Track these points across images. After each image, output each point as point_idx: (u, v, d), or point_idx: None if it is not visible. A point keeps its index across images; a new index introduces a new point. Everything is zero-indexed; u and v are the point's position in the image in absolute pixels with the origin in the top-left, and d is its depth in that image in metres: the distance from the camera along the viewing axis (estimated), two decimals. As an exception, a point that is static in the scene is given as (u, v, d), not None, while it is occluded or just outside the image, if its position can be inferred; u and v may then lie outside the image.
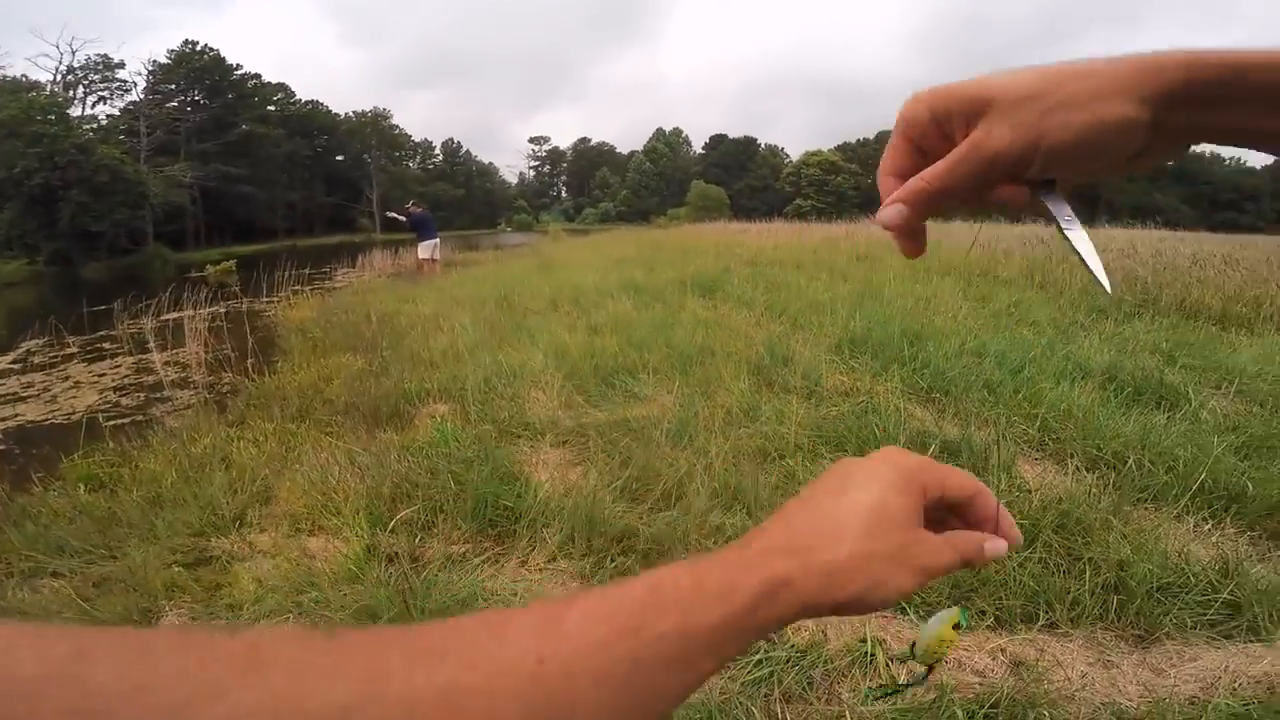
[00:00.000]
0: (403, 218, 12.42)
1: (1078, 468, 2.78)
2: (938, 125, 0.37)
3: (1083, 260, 0.37)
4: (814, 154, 67.36)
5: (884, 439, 2.87)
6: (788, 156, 75.36)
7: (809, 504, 0.36)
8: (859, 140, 72.36)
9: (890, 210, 0.39)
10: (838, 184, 63.45)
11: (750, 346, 4.57)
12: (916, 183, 0.37)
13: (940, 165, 0.37)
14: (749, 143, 75.49)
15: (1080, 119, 0.33)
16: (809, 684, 1.70)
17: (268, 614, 2.14)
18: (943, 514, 0.38)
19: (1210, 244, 10.88)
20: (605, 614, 0.29)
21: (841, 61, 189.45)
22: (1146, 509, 2.51)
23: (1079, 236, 0.37)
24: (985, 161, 0.35)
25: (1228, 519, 2.46)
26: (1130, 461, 2.72)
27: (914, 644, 0.42)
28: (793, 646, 1.80)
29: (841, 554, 0.32)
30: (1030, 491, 2.51)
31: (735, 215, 45.70)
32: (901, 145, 0.40)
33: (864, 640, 1.82)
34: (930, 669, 0.43)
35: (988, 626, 1.89)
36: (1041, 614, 1.92)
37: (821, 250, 12.57)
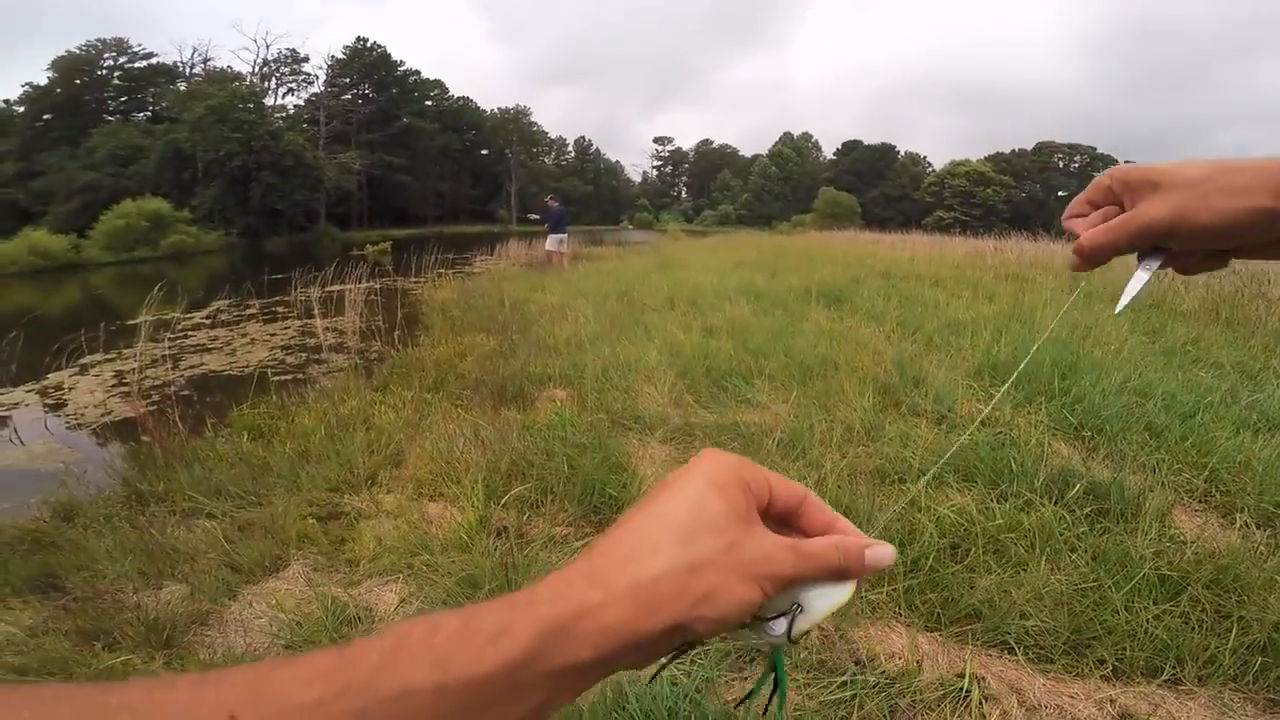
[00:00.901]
0: (543, 208, 13.07)
1: (1247, 523, 2.42)
2: (1114, 194, 0.48)
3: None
4: (960, 163, 62.77)
5: (1020, 474, 2.63)
6: (929, 165, 70.92)
7: (617, 526, 0.30)
8: (1014, 150, 66.65)
9: (1071, 264, 0.51)
10: (986, 196, 58.75)
11: (878, 363, 4.36)
12: (1084, 241, 0.48)
13: (1102, 229, 0.47)
14: (886, 150, 71.75)
15: (1223, 205, 0.40)
16: (892, 712, 1.61)
17: (382, 572, 2.29)
18: (773, 526, 0.33)
19: None
20: (332, 668, 0.24)
21: (992, 65, 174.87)
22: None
23: (1142, 276, 0.46)
24: (1139, 229, 0.44)
25: None
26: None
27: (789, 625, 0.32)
28: (883, 673, 1.72)
29: (653, 570, 0.27)
30: (1185, 543, 2.21)
31: (867, 224, 43.71)
32: (1083, 202, 0.50)
33: (961, 675, 1.70)
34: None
35: (1102, 676, 1.71)
36: (1167, 669, 1.71)
37: (965, 266, 11.72)
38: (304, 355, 6.78)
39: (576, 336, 5.31)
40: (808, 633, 0.32)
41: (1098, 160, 65.26)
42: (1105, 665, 1.74)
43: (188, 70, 45.52)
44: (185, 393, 5.62)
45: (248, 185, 33.19)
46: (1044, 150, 65.98)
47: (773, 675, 0.36)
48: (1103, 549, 2.15)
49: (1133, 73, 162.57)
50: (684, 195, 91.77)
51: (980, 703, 1.63)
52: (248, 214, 33.40)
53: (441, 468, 3.01)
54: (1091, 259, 0.47)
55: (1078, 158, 65.95)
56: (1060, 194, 64.29)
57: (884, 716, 1.61)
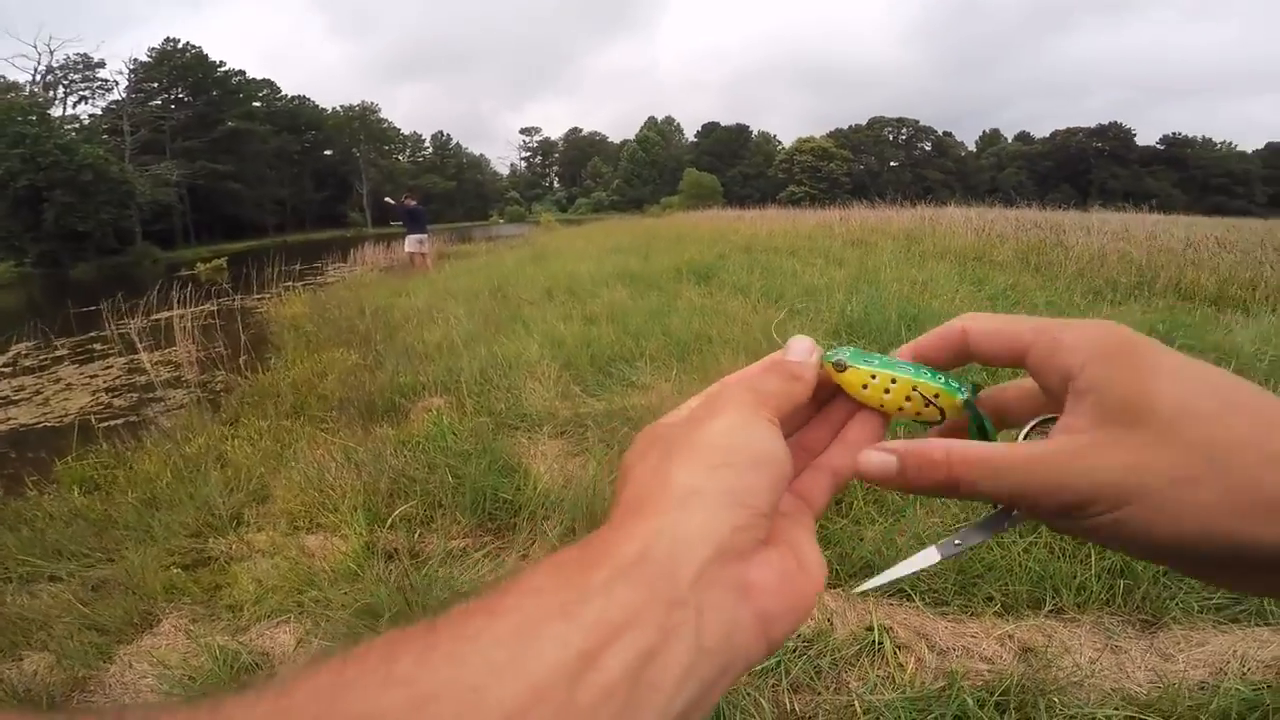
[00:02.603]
0: (395, 207, 12.29)
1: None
2: (985, 356, 0.29)
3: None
4: (806, 140, 67.13)
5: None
6: (780, 143, 75.11)
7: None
8: (851, 126, 72.26)
9: (875, 459, 0.28)
10: (830, 170, 63.32)
11: (748, 333, 4.54)
12: (939, 453, 0.27)
13: (998, 454, 0.26)
14: (741, 130, 75.18)
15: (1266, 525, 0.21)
16: (817, 673, 1.68)
17: (268, 615, 2.12)
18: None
19: (1203, 227, 10.89)
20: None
21: (833, 48, 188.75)
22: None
23: (930, 556, 0.31)
24: (1087, 488, 0.23)
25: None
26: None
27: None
28: (799, 636, 1.78)
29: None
30: (1034, 474, 2.50)
31: (728, 203, 45.57)
32: (936, 346, 0.31)
33: (870, 629, 1.81)
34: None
35: (994, 613, 1.88)
36: (1048, 599, 1.90)
37: (816, 236, 12.53)
38: (134, 396, 5.96)
39: (449, 339, 5.07)
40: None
41: (921, 132, 72.37)
42: (994, 602, 1.90)
43: None
44: (-8, 451, 4.80)
45: (38, 207, 28.56)
46: (876, 125, 72.04)
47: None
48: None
49: (950, 52, 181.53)
50: (556, 185, 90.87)
51: (894, 652, 1.73)
52: (42, 239, 28.81)
53: (314, 498, 2.77)
54: (934, 484, 0.27)
55: (904, 130, 72.67)
56: (892, 164, 70.69)
57: (810, 678, 1.67)
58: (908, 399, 0.30)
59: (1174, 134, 66.16)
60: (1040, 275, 7.49)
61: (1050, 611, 1.87)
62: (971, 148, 76.01)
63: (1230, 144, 65.93)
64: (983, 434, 0.31)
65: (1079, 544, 2.11)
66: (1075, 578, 1.96)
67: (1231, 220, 15.49)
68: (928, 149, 72.67)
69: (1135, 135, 65.32)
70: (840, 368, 0.31)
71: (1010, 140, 74.62)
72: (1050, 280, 7.09)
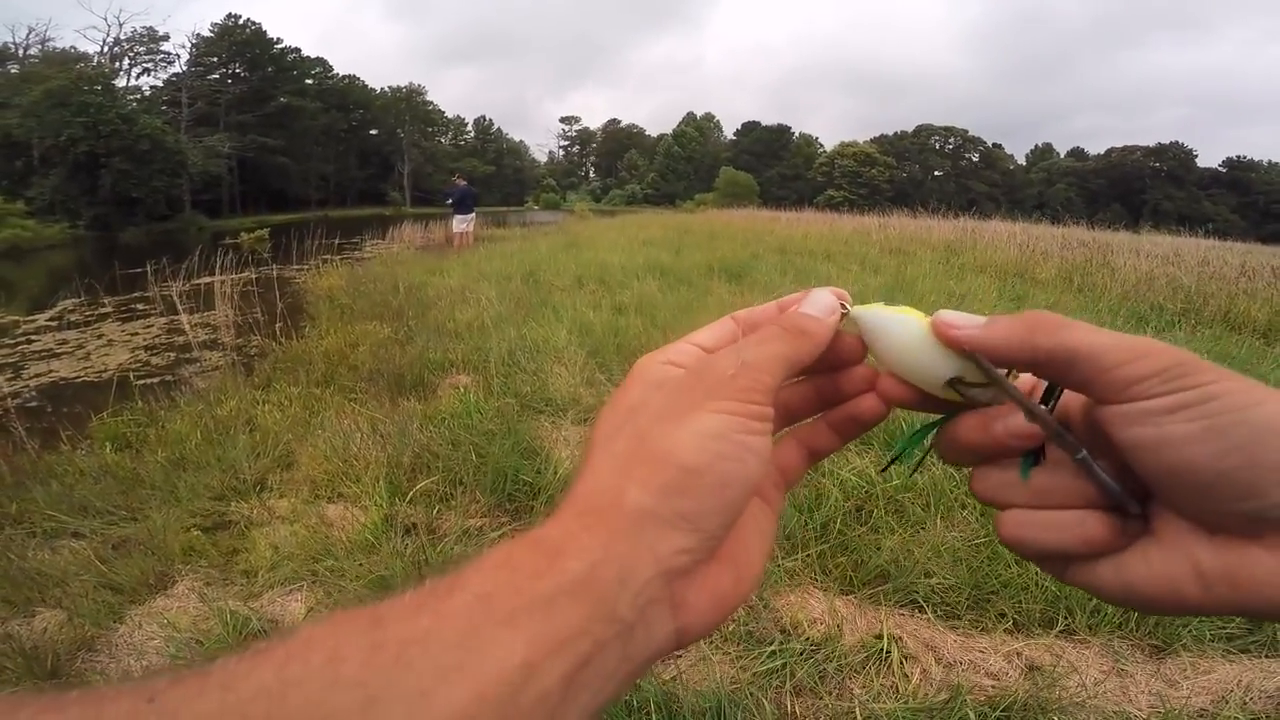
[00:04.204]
0: (445, 190, 12.62)
1: (1111, 475, 2.69)
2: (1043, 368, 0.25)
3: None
4: (849, 145, 66.20)
5: (910, 431, 2.79)
6: (821, 147, 74.15)
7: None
8: (896, 133, 70.99)
9: (954, 316, 0.27)
10: (872, 176, 62.33)
11: (776, 334, 4.50)
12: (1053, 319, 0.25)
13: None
14: (782, 131, 74.36)
15: None
16: (821, 678, 1.67)
17: (283, 581, 2.14)
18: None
19: (1260, 255, 10.45)
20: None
21: (883, 51, 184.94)
22: (1180, 520, 2.42)
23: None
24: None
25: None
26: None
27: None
28: (808, 639, 1.78)
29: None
30: (1061, 495, 2.43)
31: (764, 203, 45.19)
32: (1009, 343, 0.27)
33: (879, 637, 1.79)
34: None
35: (1005, 629, 1.85)
36: (1060, 619, 1.87)
37: (853, 241, 12.36)
38: (171, 355, 6.14)
39: (479, 320, 5.12)
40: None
41: (969, 142, 70.74)
42: (1006, 619, 1.87)
43: (21, 52, 39.81)
44: (33, 404, 4.97)
45: (96, 173, 29.54)
46: (923, 132, 70.66)
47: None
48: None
49: (1008, 61, 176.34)
50: (592, 175, 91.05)
51: (901, 662, 1.72)
52: (97, 204, 29.78)
53: (338, 467, 2.82)
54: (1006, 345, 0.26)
55: (951, 139, 71.14)
56: (936, 173, 69.27)
57: (815, 682, 1.66)
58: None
59: (1238, 157, 63.63)
60: (1082, 296, 7.27)
61: (1061, 631, 1.84)
62: (1021, 161, 74.10)
63: (1294, 169, 63.19)
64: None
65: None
66: (1090, 600, 1.91)
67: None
68: (975, 160, 71.03)
69: (1197, 156, 62.97)
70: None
71: (1063, 156, 72.55)
72: (1093, 301, 6.88)
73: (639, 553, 0.22)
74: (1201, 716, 1.59)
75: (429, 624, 0.19)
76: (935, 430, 0.30)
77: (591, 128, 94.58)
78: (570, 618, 0.20)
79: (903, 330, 0.28)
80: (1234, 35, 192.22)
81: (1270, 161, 63.44)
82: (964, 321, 0.26)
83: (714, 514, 0.23)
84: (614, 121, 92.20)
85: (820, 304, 0.29)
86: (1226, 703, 1.61)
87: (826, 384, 0.31)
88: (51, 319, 8.03)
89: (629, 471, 0.23)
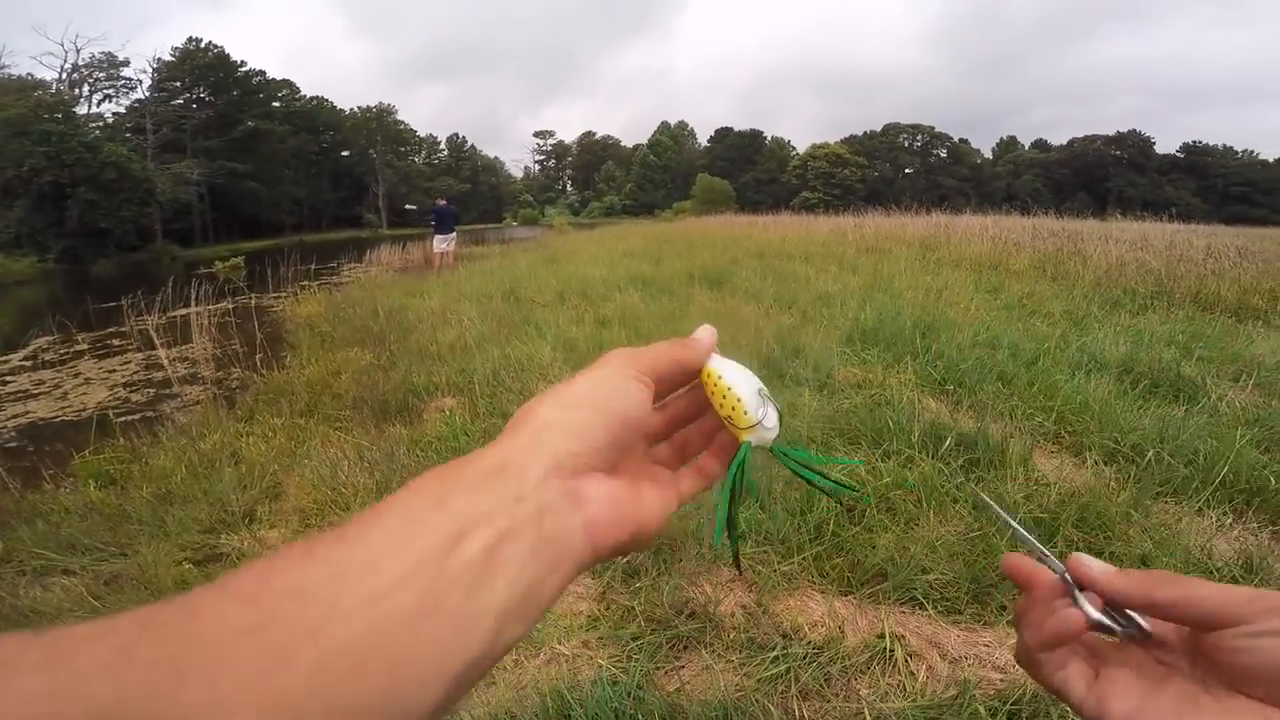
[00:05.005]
0: (419, 212, 12.57)
1: (1096, 461, 2.74)
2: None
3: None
4: (820, 147, 66.99)
5: (898, 431, 2.83)
6: (794, 149, 74.98)
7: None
8: (866, 133, 71.97)
9: (704, 330, 0.38)
10: (844, 176, 63.10)
11: (760, 339, 4.53)
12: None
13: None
14: (755, 136, 75.08)
15: None
16: (826, 680, 1.67)
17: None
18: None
19: (1224, 236, 10.73)
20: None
21: (849, 54, 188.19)
22: (1167, 503, 2.47)
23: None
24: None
25: (1250, 513, 2.42)
26: (1149, 455, 2.67)
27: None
28: (809, 643, 1.78)
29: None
30: (1048, 485, 2.47)
31: (741, 208, 45.52)
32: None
33: (881, 636, 1.80)
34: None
35: (1008, 621, 1.86)
36: None
37: (830, 242, 12.49)
38: (151, 391, 6.03)
39: (462, 341, 5.10)
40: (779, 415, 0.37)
41: (936, 138, 71.91)
42: (1008, 611, 1.87)
43: None
44: (12, 444, 4.90)
45: (62, 203, 28.95)
46: (891, 131, 71.72)
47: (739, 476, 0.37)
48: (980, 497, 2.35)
49: (969, 57, 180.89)
50: (569, 189, 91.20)
51: (905, 660, 1.71)
52: (65, 236, 29.17)
53: (326, 495, 2.80)
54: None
55: (919, 136, 72.28)
56: (907, 171, 70.28)
57: (820, 685, 1.65)
58: (724, 398, 0.36)
59: (1194, 142, 65.42)
60: (1057, 284, 7.42)
61: (1066, 623, 1.85)
62: (988, 154, 75.48)
63: (1252, 152, 65.10)
64: (738, 482, 0.37)
65: (1096, 554, 2.08)
66: (1091, 590, 1.94)
67: (1255, 230, 15.26)
68: (943, 155, 72.21)
69: (1155, 143, 64.67)
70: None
71: (1027, 147, 74.03)
72: (1067, 289, 7.02)
73: (539, 447, 0.27)
74: None
75: (376, 516, 0.24)
76: (730, 499, 0.37)
77: (566, 141, 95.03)
78: (487, 497, 0.25)
79: (740, 373, 0.36)
80: (1179, 24, 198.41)
81: (1225, 145, 65.38)
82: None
83: (598, 428, 0.29)
84: (589, 134, 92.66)
85: (703, 332, 0.37)
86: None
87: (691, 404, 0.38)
88: (25, 358, 7.86)
89: (541, 402, 0.30)
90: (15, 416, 5.59)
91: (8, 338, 8.93)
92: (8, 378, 6.93)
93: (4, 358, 7.86)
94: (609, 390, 0.31)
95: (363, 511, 0.25)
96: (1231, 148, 65.36)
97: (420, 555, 0.22)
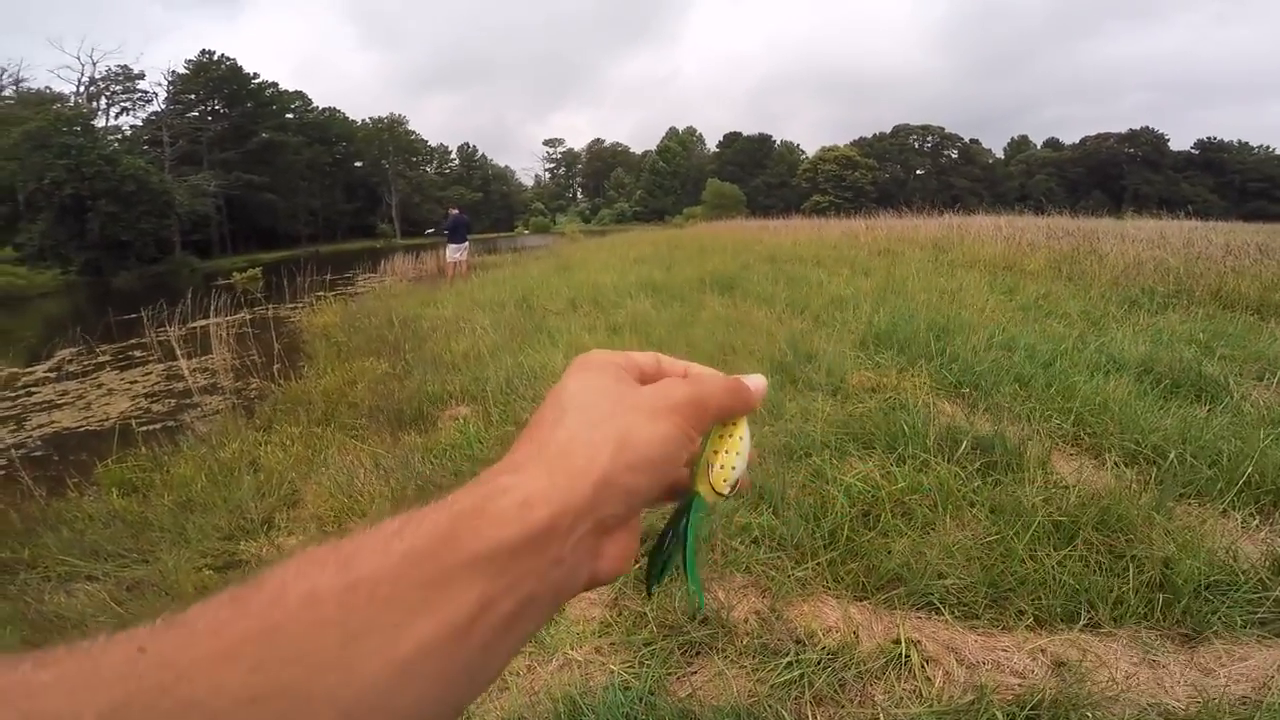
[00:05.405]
0: (438, 224, 12.79)
1: (1116, 463, 2.70)
2: None
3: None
4: (830, 150, 66.76)
5: (913, 436, 2.81)
6: (803, 153, 74.80)
7: (518, 438, 0.31)
8: (875, 134, 71.63)
9: (758, 382, 0.37)
10: (855, 179, 62.83)
11: (772, 344, 4.52)
12: None
13: None
14: (764, 140, 75.01)
15: None
16: (841, 686, 1.66)
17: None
18: None
19: (1243, 233, 10.57)
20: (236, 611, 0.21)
21: (856, 57, 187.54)
22: (1190, 505, 2.43)
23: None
24: None
25: (1277, 514, 2.37)
26: (1171, 456, 2.63)
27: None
28: (824, 648, 1.76)
29: (561, 438, 0.28)
30: (1068, 488, 2.43)
31: (752, 212, 45.47)
32: None
33: (897, 641, 1.78)
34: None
35: (1027, 626, 1.84)
36: (1083, 613, 1.85)
37: (842, 245, 12.43)
38: (172, 401, 6.14)
39: (475, 349, 5.14)
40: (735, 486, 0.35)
41: (946, 139, 71.45)
42: (1026, 616, 1.85)
43: None
44: (38, 453, 5.01)
45: (83, 216, 29.50)
46: (901, 132, 71.35)
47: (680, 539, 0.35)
48: (998, 501, 2.32)
49: (976, 57, 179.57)
50: (579, 196, 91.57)
51: (922, 665, 1.69)
52: (87, 248, 29.74)
53: (343, 503, 2.83)
54: None
55: (929, 137, 71.86)
56: (918, 172, 69.89)
57: (834, 691, 1.64)
58: (726, 453, 0.34)
59: (1209, 138, 64.45)
60: (1073, 284, 7.33)
61: (1085, 625, 1.82)
62: (999, 154, 74.84)
63: (1269, 147, 63.97)
64: (680, 538, 0.35)
65: (1115, 557, 2.06)
66: (1112, 591, 1.91)
67: (1274, 226, 15.00)
68: (954, 156, 71.70)
69: (1169, 140, 63.76)
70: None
71: (1039, 146, 73.30)
72: (1084, 289, 6.94)
73: (591, 508, 0.26)
74: (1243, 704, 1.54)
75: (397, 566, 0.22)
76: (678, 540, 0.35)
77: (576, 149, 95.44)
78: (526, 561, 0.24)
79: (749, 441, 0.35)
80: (1183, 20, 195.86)
81: (1240, 141, 64.36)
82: None
83: (645, 492, 0.29)
84: (598, 141, 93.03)
85: (757, 384, 0.36)
86: (1268, 688, 1.58)
87: None
88: (50, 370, 8.02)
89: (606, 444, 0.28)
90: (41, 426, 5.71)
91: (33, 350, 9.12)
92: (34, 389, 7.08)
93: (29, 369, 8.04)
94: (669, 454, 0.29)
95: (372, 539, 0.23)
96: (1247, 143, 64.30)
97: (446, 621, 0.22)
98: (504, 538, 0.24)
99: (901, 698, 1.61)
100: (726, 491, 0.34)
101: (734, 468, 0.34)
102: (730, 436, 0.35)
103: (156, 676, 0.19)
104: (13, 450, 4.74)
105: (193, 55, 47.98)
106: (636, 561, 0.32)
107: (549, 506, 0.25)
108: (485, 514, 0.24)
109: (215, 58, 47.09)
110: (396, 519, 0.24)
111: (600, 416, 0.29)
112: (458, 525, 0.24)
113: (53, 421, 5.86)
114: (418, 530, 0.24)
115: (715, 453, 0.34)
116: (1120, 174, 62.41)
